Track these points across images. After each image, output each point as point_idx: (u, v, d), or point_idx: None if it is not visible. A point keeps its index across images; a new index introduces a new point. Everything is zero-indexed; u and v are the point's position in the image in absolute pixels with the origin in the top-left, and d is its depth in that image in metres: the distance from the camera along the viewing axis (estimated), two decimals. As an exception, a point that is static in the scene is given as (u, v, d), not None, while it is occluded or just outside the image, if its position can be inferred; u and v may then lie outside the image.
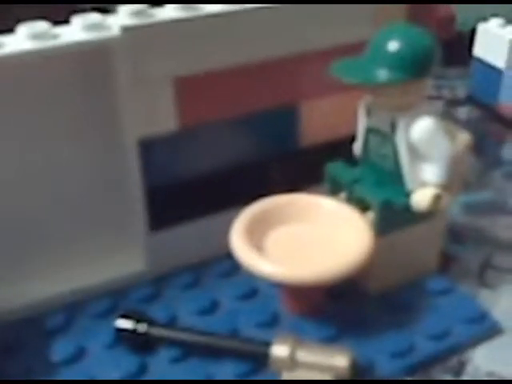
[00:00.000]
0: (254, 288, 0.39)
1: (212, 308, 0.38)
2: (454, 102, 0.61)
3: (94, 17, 0.35)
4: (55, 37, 0.34)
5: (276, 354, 0.34)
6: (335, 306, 0.38)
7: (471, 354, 0.36)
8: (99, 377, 0.34)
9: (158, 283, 0.40)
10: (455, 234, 0.44)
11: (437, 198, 0.36)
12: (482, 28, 0.59)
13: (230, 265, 0.38)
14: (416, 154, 0.36)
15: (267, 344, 0.34)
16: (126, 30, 0.34)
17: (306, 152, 0.43)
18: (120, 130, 0.37)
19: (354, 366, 0.33)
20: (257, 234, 0.37)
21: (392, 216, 0.37)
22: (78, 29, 0.34)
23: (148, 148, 0.37)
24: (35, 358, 0.35)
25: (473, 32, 0.60)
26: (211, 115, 0.39)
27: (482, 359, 0.36)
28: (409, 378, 0.35)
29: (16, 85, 0.34)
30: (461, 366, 0.36)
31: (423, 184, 0.36)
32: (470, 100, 0.60)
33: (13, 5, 0.38)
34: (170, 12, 0.36)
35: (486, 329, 0.37)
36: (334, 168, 0.40)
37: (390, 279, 0.39)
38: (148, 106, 0.36)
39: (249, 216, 0.38)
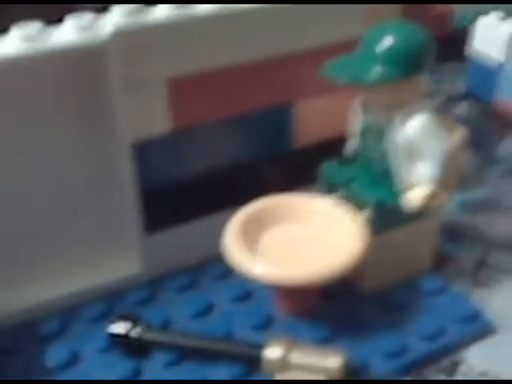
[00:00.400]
0: (248, 290, 0.40)
1: (207, 310, 0.39)
2: (451, 98, 0.60)
3: (87, 17, 0.35)
4: (48, 38, 0.34)
5: (269, 357, 0.34)
6: (329, 307, 0.38)
7: (465, 354, 0.36)
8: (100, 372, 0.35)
9: (153, 286, 0.40)
10: (450, 233, 0.44)
11: (431, 196, 0.36)
12: (481, 22, 0.58)
13: (224, 267, 0.38)
14: (410, 151, 0.36)
15: (260, 346, 0.34)
16: (118, 30, 0.34)
17: (301, 152, 0.43)
18: (114, 132, 0.37)
19: (347, 368, 0.33)
20: (250, 236, 0.37)
21: (386, 215, 0.37)
22: (71, 30, 0.34)
23: (142, 150, 0.37)
24: (31, 362, 0.35)
25: (470, 28, 0.60)
26: (205, 116, 0.39)
27: (476, 359, 0.36)
28: (403, 378, 0.35)
29: (8, 87, 0.34)
30: (454, 366, 0.36)
31: (418, 182, 0.36)
32: (466, 97, 0.60)
33: (9, 5, 0.38)
34: (163, 12, 0.36)
35: (479, 328, 0.37)
36: (329, 167, 0.40)
37: (384, 278, 0.39)
38: (142, 108, 0.36)
39: (242, 217, 0.38)
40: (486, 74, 0.58)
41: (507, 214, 0.47)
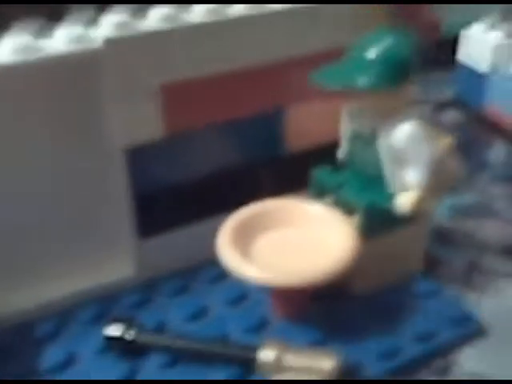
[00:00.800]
0: (242, 293, 0.40)
1: (201, 313, 0.39)
2: (440, 106, 0.61)
3: (78, 29, 0.35)
4: (39, 49, 0.34)
5: (263, 359, 0.34)
6: (322, 310, 0.39)
7: (457, 356, 0.37)
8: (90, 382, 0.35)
9: (147, 289, 0.40)
10: (441, 237, 0.45)
11: (419, 201, 0.36)
12: (465, 33, 0.59)
13: (218, 270, 0.38)
14: (398, 158, 0.36)
15: (254, 348, 0.34)
16: (109, 42, 0.35)
17: (293, 157, 0.44)
18: (107, 139, 0.37)
19: (341, 369, 0.34)
20: (243, 240, 0.37)
21: (377, 219, 0.38)
22: (62, 41, 0.35)
23: (135, 156, 0.38)
24: (26, 364, 0.35)
25: (459, 35, 0.60)
26: (198, 122, 0.39)
27: (468, 361, 0.37)
28: (395, 379, 0.35)
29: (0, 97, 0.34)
30: (446, 368, 0.36)
31: (405, 188, 0.37)
32: (455, 103, 0.61)
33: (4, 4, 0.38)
34: (152, 23, 0.36)
35: (471, 331, 0.38)
36: (320, 173, 0.40)
37: (376, 282, 0.39)
38: (134, 115, 0.37)
39: (235, 222, 0.38)
40: (475, 81, 0.59)
41: (497, 218, 0.47)
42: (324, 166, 0.40)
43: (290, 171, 0.43)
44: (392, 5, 0.42)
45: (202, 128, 0.40)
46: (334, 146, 0.41)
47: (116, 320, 0.36)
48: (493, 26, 0.58)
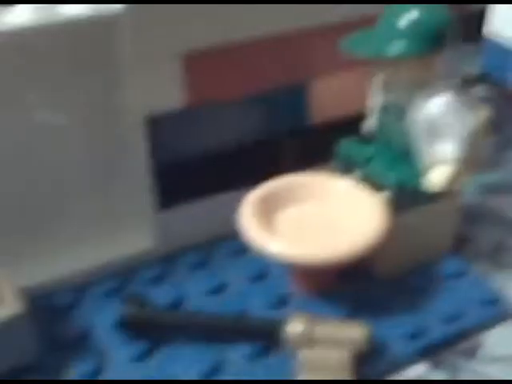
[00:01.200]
0: (263, 268, 0.39)
1: (221, 289, 0.38)
2: (467, 80, 0.60)
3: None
4: (58, 10, 0.33)
5: (290, 331, 0.33)
6: (347, 288, 0.38)
7: (484, 338, 0.36)
8: (106, 357, 0.34)
9: (166, 263, 0.39)
10: (470, 215, 0.43)
11: (453, 177, 0.35)
12: (496, 7, 0.58)
13: (239, 245, 0.38)
14: (432, 130, 0.35)
15: (280, 322, 0.33)
16: (129, 7, 0.33)
17: (317, 130, 0.42)
18: (127, 107, 0.36)
19: (370, 340, 0.33)
20: (267, 214, 0.36)
21: (406, 196, 0.36)
22: (82, 4, 0.34)
23: (155, 125, 0.37)
24: (43, 337, 0.34)
25: (487, 9, 0.59)
26: (220, 93, 0.38)
27: (495, 343, 0.35)
28: (421, 360, 0.34)
29: (16, 59, 0.33)
30: (473, 350, 0.35)
31: (439, 162, 0.35)
32: (482, 78, 0.59)
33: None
34: None
35: (499, 312, 0.37)
36: (347, 146, 0.39)
37: (403, 260, 0.38)
38: (154, 83, 0.36)
39: (259, 196, 0.37)
40: (503, 56, 0.57)
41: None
42: (351, 139, 0.39)
43: (315, 144, 0.42)
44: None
45: (224, 99, 0.38)
46: (359, 118, 0.39)
47: (131, 297, 0.35)
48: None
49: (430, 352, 0.35)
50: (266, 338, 0.34)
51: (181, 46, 0.36)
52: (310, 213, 0.37)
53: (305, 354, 0.33)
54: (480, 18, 0.60)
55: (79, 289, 0.38)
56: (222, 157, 0.40)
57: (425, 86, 0.35)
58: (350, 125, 0.40)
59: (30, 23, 0.32)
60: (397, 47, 0.35)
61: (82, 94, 0.35)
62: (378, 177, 0.37)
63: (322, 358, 0.32)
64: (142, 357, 0.34)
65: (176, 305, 0.37)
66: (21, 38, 0.32)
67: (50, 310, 0.36)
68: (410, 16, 0.35)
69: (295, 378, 0.32)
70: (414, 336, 0.35)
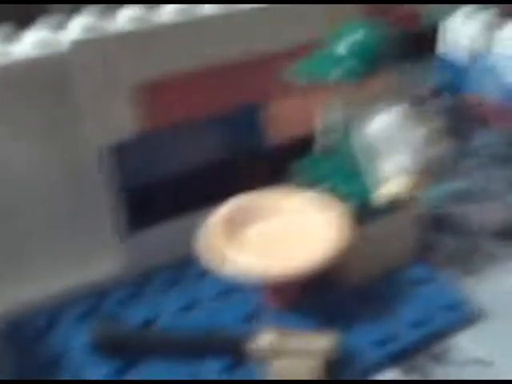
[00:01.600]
0: (232, 285, 0.39)
1: (193, 305, 0.38)
2: (421, 96, 0.61)
3: (45, 33, 0.35)
4: (7, 54, 0.34)
5: (259, 344, 0.33)
6: (315, 299, 0.38)
7: (454, 341, 0.36)
8: (82, 376, 0.34)
9: (136, 284, 0.40)
10: (436, 223, 0.44)
11: (408, 187, 0.36)
12: (445, 24, 0.59)
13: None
14: (375, 148, 0.36)
15: (248, 336, 0.34)
16: (76, 44, 0.34)
17: (275, 150, 0.43)
18: (86, 137, 0.37)
19: (339, 349, 0.33)
20: (231, 233, 0.37)
21: (365, 208, 0.37)
22: (30, 46, 0.35)
23: (116, 153, 0.37)
24: (17, 363, 0.34)
25: (439, 26, 0.60)
26: (177, 117, 0.39)
27: (466, 345, 0.36)
28: (393, 366, 0.35)
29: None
30: (444, 354, 0.36)
31: (393, 175, 0.36)
32: (438, 92, 0.61)
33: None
34: (124, 20, 0.36)
35: (467, 315, 0.37)
36: (306, 163, 0.40)
37: (369, 270, 0.39)
38: (110, 113, 0.37)
39: (221, 216, 0.38)
40: (456, 71, 0.58)
41: (488, 202, 0.47)
42: (309, 157, 0.40)
43: (274, 162, 0.43)
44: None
45: (184, 123, 0.39)
46: (315, 137, 0.40)
47: (104, 318, 0.36)
48: (470, 17, 0.58)
49: (400, 358, 0.35)
50: (237, 351, 0.34)
51: (131, 78, 0.36)
52: (273, 229, 0.38)
53: (274, 366, 0.33)
54: (433, 36, 0.62)
55: (53, 313, 0.38)
56: (185, 179, 0.41)
57: (370, 105, 0.37)
58: (307, 143, 0.41)
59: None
60: (335, 73, 0.36)
61: (42, 130, 0.36)
62: (337, 191, 0.38)
63: (291, 369, 0.33)
64: (116, 376, 0.34)
65: (149, 323, 0.37)
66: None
67: (24, 334, 0.36)
68: (347, 42, 0.36)
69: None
70: (383, 343, 0.35)
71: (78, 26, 0.36)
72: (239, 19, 0.38)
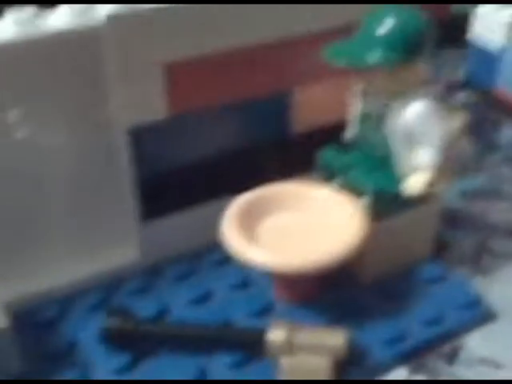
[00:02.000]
0: (247, 277, 0.39)
1: (205, 298, 0.38)
2: (451, 86, 0.60)
3: (81, 5, 0.34)
4: (42, 23, 0.34)
5: (272, 340, 0.33)
6: (329, 295, 0.38)
7: (465, 340, 0.36)
8: (91, 370, 0.34)
9: (150, 274, 0.40)
10: (450, 220, 0.44)
11: (430, 182, 0.35)
12: (478, 11, 0.58)
13: (223, 254, 0.38)
14: (410, 137, 0.36)
15: (262, 331, 0.34)
16: (111, 18, 0.34)
17: (299, 139, 0.43)
18: (110, 119, 0.36)
19: (350, 346, 0.33)
20: (249, 223, 0.37)
21: (385, 202, 0.37)
22: (66, 15, 0.34)
23: (139, 137, 0.37)
24: (27, 352, 0.35)
25: (470, 14, 0.59)
26: (203, 102, 0.38)
27: (476, 345, 0.36)
28: (403, 365, 0.35)
29: (1, 71, 0.33)
30: (454, 353, 0.36)
31: (417, 169, 0.36)
32: (467, 84, 0.60)
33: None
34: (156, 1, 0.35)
35: (479, 315, 0.37)
36: (327, 154, 0.40)
37: (384, 266, 0.39)
38: (137, 94, 0.36)
39: (241, 205, 0.38)
40: (486, 62, 0.57)
41: (506, 200, 0.47)
42: (331, 148, 0.40)
43: (297, 153, 0.42)
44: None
45: (207, 109, 0.39)
46: (341, 126, 0.40)
47: (115, 310, 0.36)
48: (502, 5, 0.57)
49: (411, 356, 0.35)
50: (249, 346, 0.34)
51: (163, 57, 0.36)
52: (291, 222, 0.38)
53: (286, 362, 0.33)
54: (463, 23, 0.61)
55: (64, 302, 0.38)
56: (204, 167, 0.40)
57: (404, 94, 0.36)
58: (332, 133, 0.40)
59: (13, 38, 0.33)
60: (374, 56, 0.35)
61: (66, 108, 0.36)
62: (358, 184, 0.37)
63: (303, 365, 0.33)
64: (126, 368, 0.34)
65: (160, 316, 0.37)
66: (4, 53, 0.33)
67: (35, 323, 0.37)
68: (387, 25, 0.35)
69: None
70: (395, 341, 0.35)
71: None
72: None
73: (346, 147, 0.39)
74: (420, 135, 0.35)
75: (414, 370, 0.35)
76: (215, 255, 0.40)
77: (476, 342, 0.36)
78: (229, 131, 0.41)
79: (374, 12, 0.36)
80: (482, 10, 0.57)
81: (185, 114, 0.38)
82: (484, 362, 0.35)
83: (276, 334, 0.34)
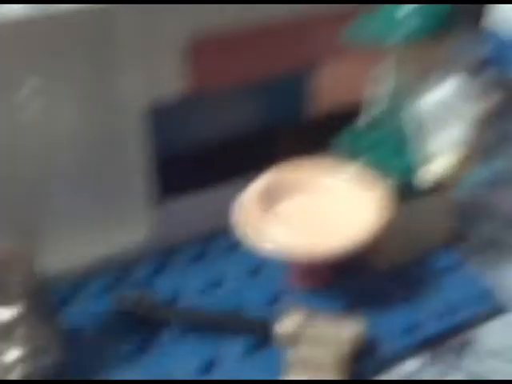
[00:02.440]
0: (260, 262, 0.39)
1: (217, 283, 0.38)
2: (478, 65, 0.59)
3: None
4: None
5: (284, 328, 0.33)
6: (344, 281, 0.38)
7: (477, 332, 0.36)
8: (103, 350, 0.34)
9: (163, 256, 0.40)
10: (466, 210, 0.43)
11: (459, 163, 0.35)
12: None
13: (236, 238, 0.38)
14: (429, 121, 0.35)
15: (273, 319, 0.34)
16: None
17: (319, 118, 0.42)
18: (129, 96, 0.36)
19: (364, 337, 0.33)
20: (266, 206, 0.36)
21: (409, 185, 0.36)
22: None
23: (157, 115, 0.37)
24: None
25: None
26: (223, 80, 0.38)
27: (488, 337, 0.36)
28: (415, 355, 0.35)
29: (19, 48, 0.33)
30: (466, 344, 0.35)
31: (444, 150, 0.35)
32: (485, 67, 0.59)
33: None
34: None
35: (492, 307, 0.37)
36: (351, 133, 0.39)
37: (400, 254, 0.38)
38: (157, 71, 0.36)
39: (258, 188, 0.37)
40: (504, 49, 0.57)
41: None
42: (354, 127, 0.39)
43: (316, 132, 0.42)
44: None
45: (227, 88, 0.38)
46: (361, 106, 0.39)
47: (128, 292, 0.36)
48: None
49: (425, 347, 0.35)
50: (260, 333, 0.34)
51: (183, 34, 0.35)
52: (310, 204, 0.37)
53: (296, 352, 0.33)
54: (480, 9, 0.60)
55: (75, 283, 0.38)
56: (222, 147, 0.40)
57: (433, 71, 0.35)
58: (354, 114, 0.39)
59: (30, 13, 0.32)
60: (401, 32, 0.34)
61: (82, 83, 0.35)
62: (382, 165, 0.37)
63: (314, 356, 0.33)
64: (138, 351, 0.34)
65: (172, 299, 0.37)
66: (20, 26, 0.32)
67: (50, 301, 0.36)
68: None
69: (286, 375, 0.33)
70: (408, 331, 0.35)
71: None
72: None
73: (369, 127, 0.38)
74: (451, 113, 0.34)
75: (428, 361, 0.35)
76: (228, 239, 0.40)
77: (488, 334, 0.36)
78: (247, 111, 0.40)
79: None
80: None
81: (204, 92, 0.38)
82: (495, 353, 0.35)
83: (287, 324, 0.33)
